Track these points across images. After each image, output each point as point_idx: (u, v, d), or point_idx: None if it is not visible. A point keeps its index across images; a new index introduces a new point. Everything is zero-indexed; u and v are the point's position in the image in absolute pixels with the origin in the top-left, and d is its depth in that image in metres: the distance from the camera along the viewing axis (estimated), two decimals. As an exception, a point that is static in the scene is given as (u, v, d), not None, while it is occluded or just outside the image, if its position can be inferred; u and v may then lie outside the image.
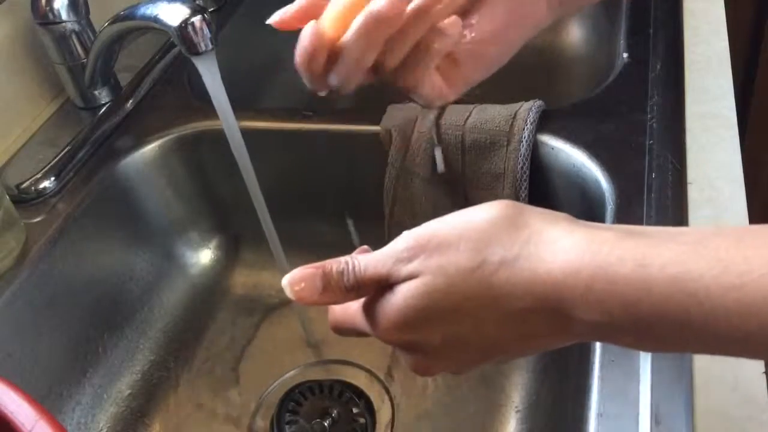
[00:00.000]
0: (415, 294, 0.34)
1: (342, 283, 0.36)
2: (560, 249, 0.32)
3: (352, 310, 0.38)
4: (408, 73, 0.42)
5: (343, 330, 0.39)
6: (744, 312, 0.28)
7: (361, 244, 0.39)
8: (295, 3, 0.42)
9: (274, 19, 0.42)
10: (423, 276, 0.34)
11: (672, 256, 0.30)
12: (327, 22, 0.41)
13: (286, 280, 0.36)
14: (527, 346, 0.35)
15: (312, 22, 0.41)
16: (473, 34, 0.42)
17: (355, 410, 0.63)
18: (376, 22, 0.39)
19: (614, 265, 0.31)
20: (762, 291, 0.28)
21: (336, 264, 0.36)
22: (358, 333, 0.38)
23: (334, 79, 0.42)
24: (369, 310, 0.36)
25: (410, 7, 0.39)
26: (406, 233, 0.35)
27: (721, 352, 0.32)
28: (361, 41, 0.40)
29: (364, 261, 0.36)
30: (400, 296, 0.34)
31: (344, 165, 0.71)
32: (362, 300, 0.37)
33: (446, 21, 0.41)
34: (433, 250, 0.34)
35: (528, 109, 0.63)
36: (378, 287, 0.35)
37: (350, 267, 0.36)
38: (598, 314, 0.31)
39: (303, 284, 0.36)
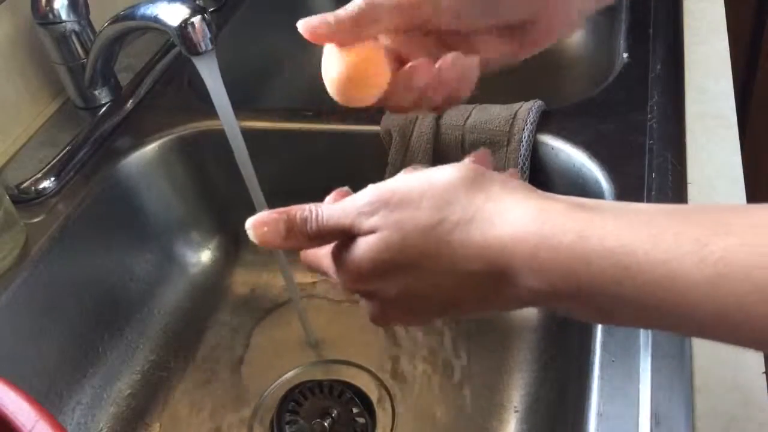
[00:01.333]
0: (374, 248, 0.35)
1: (305, 230, 0.37)
2: (511, 217, 0.33)
3: (321, 252, 0.39)
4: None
5: (312, 267, 0.41)
6: (669, 287, 0.30)
7: None
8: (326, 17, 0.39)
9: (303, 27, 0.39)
10: (382, 231, 0.35)
11: (611, 230, 0.31)
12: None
13: (249, 223, 0.37)
14: (479, 305, 0.36)
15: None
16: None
17: (355, 410, 0.63)
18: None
19: (558, 235, 0.32)
20: (685, 268, 0.29)
21: (300, 211, 0.37)
22: (324, 273, 0.40)
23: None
24: (333, 256, 0.38)
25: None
26: (371, 186, 0.36)
27: (655, 326, 0.34)
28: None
29: (328, 211, 0.37)
30: (360, 249, 0.36)
31: (344, 165, 0.71)
32: (330, 245, 0.38)
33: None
34: (394, 205, 0.35)
35: (528, 109, 0.63)
36: (341, 236, 0.37)
37: (313, 215, 0.37)
38: (541, 283, 0.32)
39: (266, 228, 0.37)
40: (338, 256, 0.37)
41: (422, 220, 0.34)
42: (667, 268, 0.29)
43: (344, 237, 0.37)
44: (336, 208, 0.37)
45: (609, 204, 0.34)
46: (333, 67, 0.39)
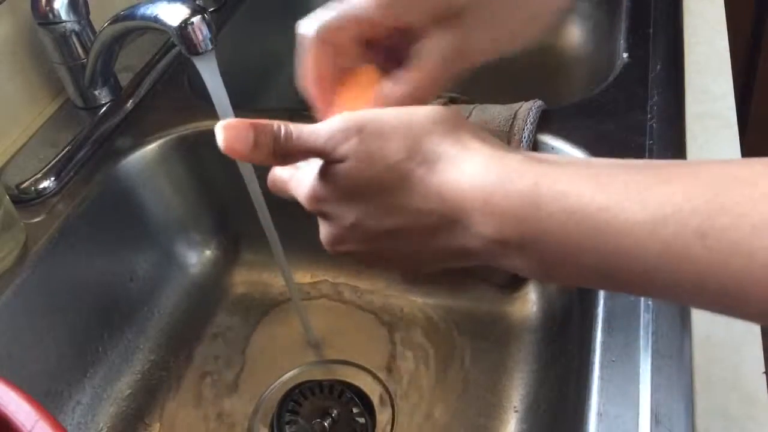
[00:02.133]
0: (340, 176, 0.36)
1: (272, 144, 0.37)
2: (473, 161, 0.34)
3: (289, 172, 0.40)
4: None
5: (277, 188, 0.42)
6: (611, 230, 0.30)
7: None
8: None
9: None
10: (351, 161, 0.35)
11: (562, 177, 0.32)
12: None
13: (219, 125, 0.37)
14: (429, 250, 0.37)
15: None
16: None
17: (355, 410, 0.63)
18: None
19: (514, 181, 0.33)
20: (627, 212, 0.30)
21: (270, 125, 0.37)
22: (287, 195, 0.41)
23: None
24: (300, 176, 0.39)
25: None
26: (345, 113, 0.37)
27: (598, 280, 0.34)
28: None
29: (298, 130, 0.37)
30: (327, 174, 0.37)
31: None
32: (298, 164, 0.39)
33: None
34: (366, 135, 0.35)
35: (528, 109, 0.63)
36: (308, 157, 0.37)
37: (283, 131, 0.37)
38: (491, 229, 0.33)
39: (235, 132, 0.37)
40: (304, 176, 0.38)
41: (390, 155, 0.35)
42: (609, 213, 0.30)
43: (311, 158, 0.37)
44: (307, 129, 0.37)
45: (567, 157, 0.35)
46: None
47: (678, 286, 0.30)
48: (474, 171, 0.34)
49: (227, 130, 0.37)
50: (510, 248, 0.33)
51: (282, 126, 0.37)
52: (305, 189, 0.38)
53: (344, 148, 0.36)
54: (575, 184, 0.32)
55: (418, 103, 0.41)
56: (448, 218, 0.34)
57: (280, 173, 0.42)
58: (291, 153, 0.37)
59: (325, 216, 0.39)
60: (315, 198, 0.38)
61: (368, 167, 0.35)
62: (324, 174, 0.37)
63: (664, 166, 0.31)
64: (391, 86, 0.41)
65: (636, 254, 0.30)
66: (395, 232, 0.36)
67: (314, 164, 0.38)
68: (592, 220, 0.31)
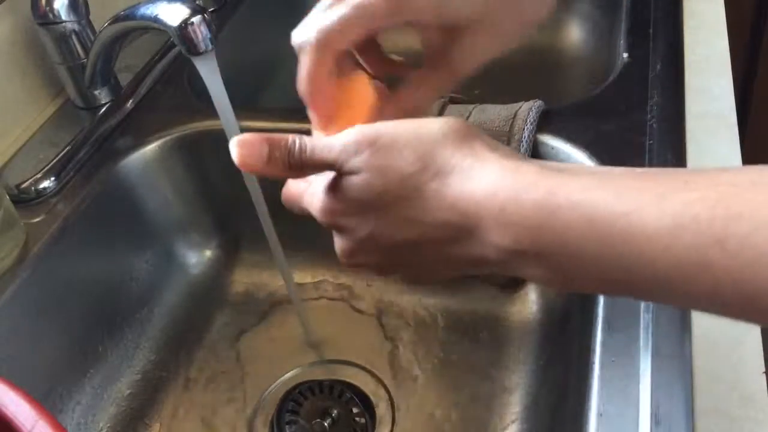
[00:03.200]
0: (353, 188, 0.36)
1: (287, 158, 0.37)
2: (487, 171, 0.34)
3: (302, 188, 0.41)
4: None
5: (291, 204, 0.42)
6: (629, 239, 0.30)
7: None
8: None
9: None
10: (364, 173, 0.36)
11: (580, 186, 0.32)
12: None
13: (233, 141, 0.37)
14: (446, 261, 0.37)
15: None
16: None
17: (355, 410, 0.64)
18: None
19: (528, 190, 0.33)
20: (644, 220, 0.30)
21: (284, 139, 0.37)
22: (301, 210, 0.41)
23: None
24: (313, 190, 0.39)
25: None
26: (358, 126, 0.37)
27: (617, 288, 0.34)
28: None
29: (312, 143, 0.37)
30: (341, 187, 0.37)
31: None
32: (311, 178, 0.39)
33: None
34: (378, 148, 0.36)
35: (528, 109, 0.63)
36: (321, 170, 0.38)
37: (297, 145, 0.37)
38: (508, 239, 0.33)
39: (249, 149, 0.37)
40: (317, 190, 0.38)
41: (402, 167, 0.35)
42: (626, 220, 0.30)
43: (324, 171, 0.38)
44: (321, 142, 0.37)
45: (583, 167, 0.35)
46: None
47: (696, 293, 0.30)
48: (488, 181, 0.34)
49: (241, 147, 0.37)
50: (527, 258, 0.33)
51: (296, 139, 0.37)
52: (319, 203, 0.38)
53: (357, 161, 0.36)
54: (591, 192, 0.31)
55: (429, 102, 0.44)
56: (464, 229, 0.34)
57: (293, 188, 0.42)
58: (305, 166, 0.37)
59: (340, 229, 0.39)
60: (329, 211, 0.38)
61: (381, 180, 0.35)
62: (337, 187, 0.37)
63: (680, 174, 0.31)
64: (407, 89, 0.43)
65: (655, 262, 0.30)
66: (410, 243, 0.37)
67: (327, 178, 0.38)
68: (611, 228, 0.31)
